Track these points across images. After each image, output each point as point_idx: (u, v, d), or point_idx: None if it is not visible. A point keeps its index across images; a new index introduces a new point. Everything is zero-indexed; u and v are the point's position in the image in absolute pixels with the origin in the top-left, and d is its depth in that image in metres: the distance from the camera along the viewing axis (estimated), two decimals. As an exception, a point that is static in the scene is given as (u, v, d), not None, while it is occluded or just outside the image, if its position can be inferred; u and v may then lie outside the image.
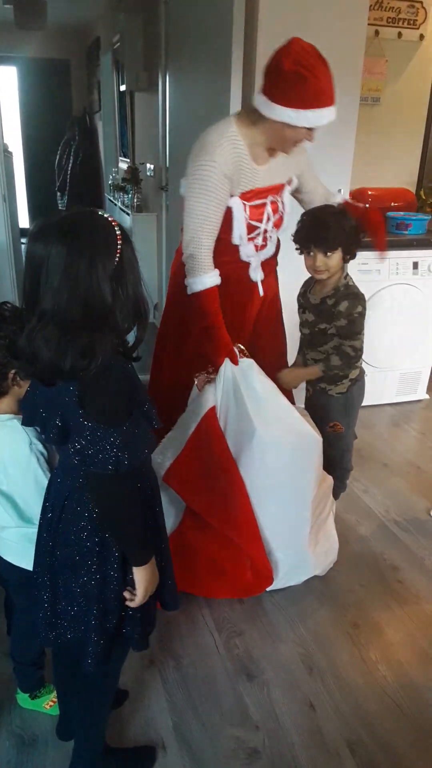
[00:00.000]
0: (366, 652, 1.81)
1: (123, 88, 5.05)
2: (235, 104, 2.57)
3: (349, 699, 1.66)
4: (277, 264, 2.14)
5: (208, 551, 1.89)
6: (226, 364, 1.84)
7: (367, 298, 3.19)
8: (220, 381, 1.85)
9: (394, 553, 2.24)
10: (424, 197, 3.69)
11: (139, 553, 1.16)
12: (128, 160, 5.35)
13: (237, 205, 1.84)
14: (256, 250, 1.96)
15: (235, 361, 1.85)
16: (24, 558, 1.42)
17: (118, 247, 1.00)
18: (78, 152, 6.89)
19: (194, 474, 1.83)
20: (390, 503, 2.53)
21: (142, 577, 1.16)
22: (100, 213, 1.04)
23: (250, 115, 1.79)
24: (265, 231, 1.94)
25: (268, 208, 1.91)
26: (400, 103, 3.59)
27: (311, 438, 1.87)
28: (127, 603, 1.18)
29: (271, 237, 1.99)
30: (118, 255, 1.00)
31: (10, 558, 1.43)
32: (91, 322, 0.99)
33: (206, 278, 1.83)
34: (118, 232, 1.01)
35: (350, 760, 1.50)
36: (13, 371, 1.30)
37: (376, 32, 3.38)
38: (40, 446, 1.34)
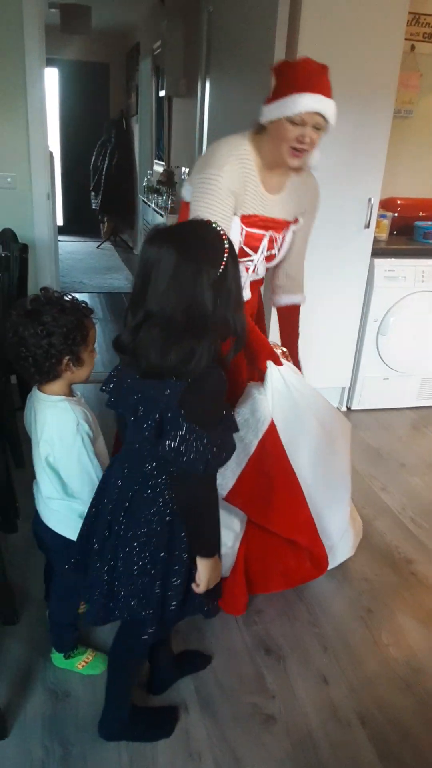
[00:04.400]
0: (378, 635, 1.91)
1: (162, 93, 5.20)
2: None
3: (360, 677, 1.76)
4: (263, 283, 2.10)
5: (273, 554, 1.90)
6: (271, 369, 1.81)
7: (392, 304, 3.32)
8: (269, 388, 1.81)
9: (408, 547, 2.33)
10: (451, 208, 3.77)
11: (210, 546, 1.26)
12: (163, 163, 5.50)
13: (235, 225, 1.80)
14: (246, 271, 1.92)
15: (278, 362, 1.82)
16: (67, 527, 1.55)
17: (224, 259, 1.07)
18: (114, 154, 7.07)
19: (258, 491, 1.82)
20: (406, 501, 2.62)
21: (206, 567, 1.26)
22: (213, 225, 1.11)
23: (259, 130, 1.76)
24: (252, 261, 1.91)
25: (265, 242, 1.87)
26: (432, 116, 3.69)
27: (345, 423, 1.99)
28: (194, 589, 1.29)
29: (258, 269, 1.94)
30: (222, 267, 1.06)
31: (54, 526, 1.56)
32: (193, 327, 1.06)
33: None
34: (226, 246, 1.08)
35: (360, 730, 1.60)
36: (67, 357, 1.42)
37: (412, 47, 3.47)
38: (87, 428, 1.45)
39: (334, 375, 3.38)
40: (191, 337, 1.06)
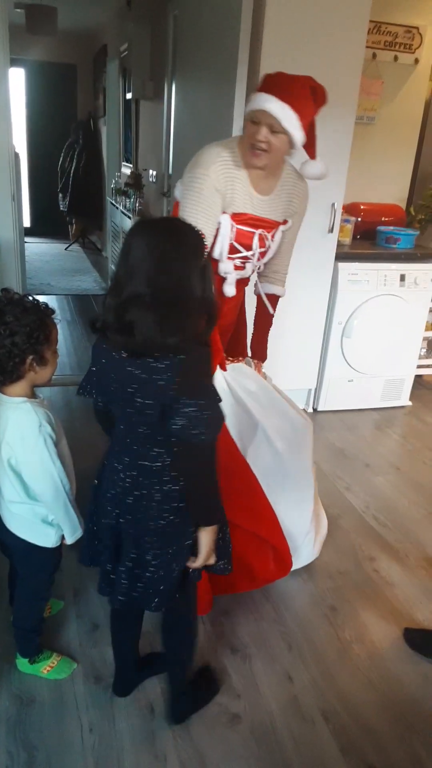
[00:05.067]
0: (342, 632, 1.95)
1: (129, 95, 5.20)
2: (239, 116, 2.71)
3: (324, 673, 1.79)
4: (247, 283, 2.16)
5: (237, 554, 1.86)
6: (217, 371, 1.89)
7: (355, 307, 3.37)
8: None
9: (371, 544, 2.38)
10: (413, 213, 3.86)
11: (213, 513, 1.32)
12: (131, 166, 5.49)
13: (225, 222, 1.88)
14: (234, 269, 2.00)
15: (223, 367, 1.92)
16: (30, 531, 1.55)
17: (204, 254, 1.18)
18: (81, 156, 7.03)
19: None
20: (370, 500, 2.68)
21: (207, 538, 1.32)
22: (192, 225, 1.22)
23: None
24: (247, 258, 1.99)
25: (256, 239, 1.94)
26: (394, 123, 3.76)
27: (304, 422, 2.01)
28: (189, 565, 1.35)
29: (250, 264, 2.02)
30: (204, 258, 1.18)
31: (16, 530, 1.55)
32: (184, 308, 1.15)
33: None
34: (206, 243, 1.20)
35: (324, 726, 1.63)
36: (31, 357, 1.42)
37: (374, 55, 3.55)
38: (50, 429, 1.46)
39: (300, 377, 3.43)
40: (184, 316, 1.15)
